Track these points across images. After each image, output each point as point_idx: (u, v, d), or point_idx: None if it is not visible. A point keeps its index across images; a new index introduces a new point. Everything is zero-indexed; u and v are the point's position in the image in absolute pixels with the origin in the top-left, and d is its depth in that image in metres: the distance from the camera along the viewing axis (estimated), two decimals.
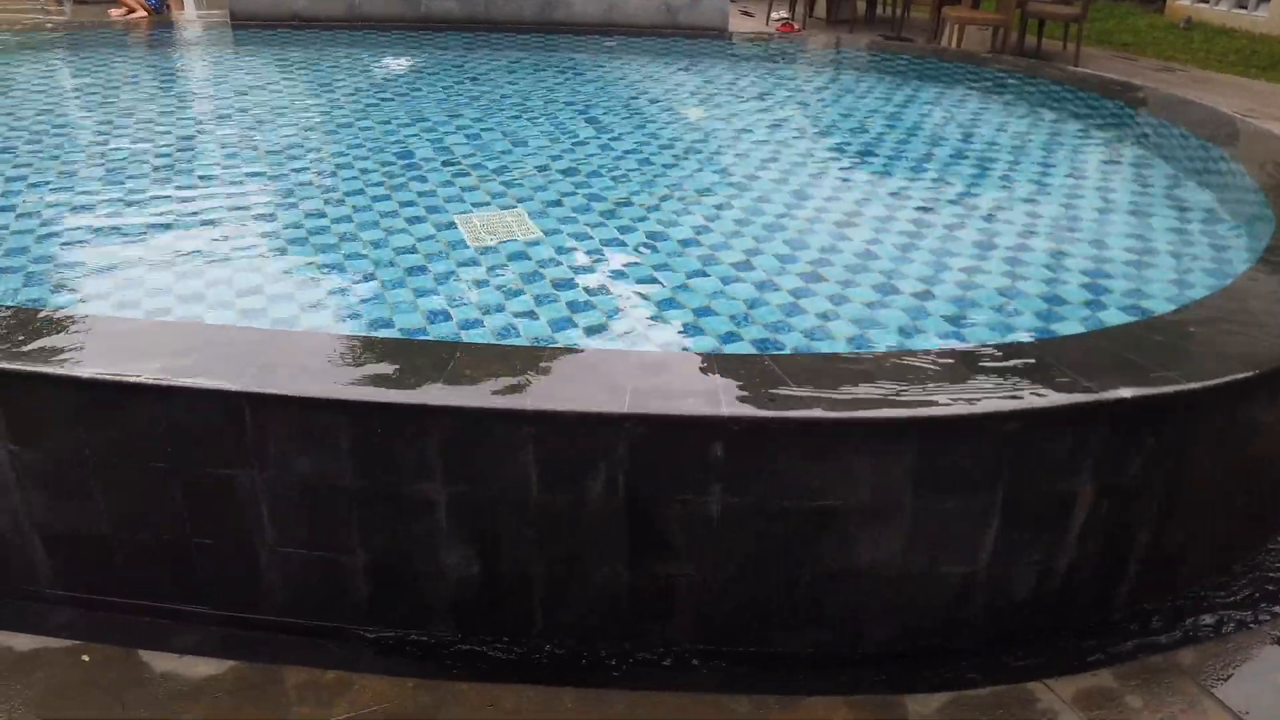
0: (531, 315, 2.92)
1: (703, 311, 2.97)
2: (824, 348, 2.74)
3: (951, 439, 2.10)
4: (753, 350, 2.74)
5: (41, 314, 2.47)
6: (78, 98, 5.27)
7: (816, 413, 2.05)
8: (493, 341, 2.75)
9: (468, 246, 3.40)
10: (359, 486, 2.23)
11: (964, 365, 2.26)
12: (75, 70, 5.90)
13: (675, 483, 2.15)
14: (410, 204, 3.75)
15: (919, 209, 3.90)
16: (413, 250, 3.34)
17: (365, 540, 2.29)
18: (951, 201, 4.03)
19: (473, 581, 2.30)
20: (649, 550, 2.22)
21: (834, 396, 2.11)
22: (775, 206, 3.85)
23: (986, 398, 2.11)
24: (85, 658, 2.25)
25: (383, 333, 2.78)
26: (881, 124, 5.14)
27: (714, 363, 2.30)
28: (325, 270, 3.18)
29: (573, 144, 4.56)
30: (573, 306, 2.98)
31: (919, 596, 2.27)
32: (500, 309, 2.96)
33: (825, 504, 2.13)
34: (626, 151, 4.49)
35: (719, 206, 3.83)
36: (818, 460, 2.10)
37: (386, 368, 2.25)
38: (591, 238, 3.51)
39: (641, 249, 3.43)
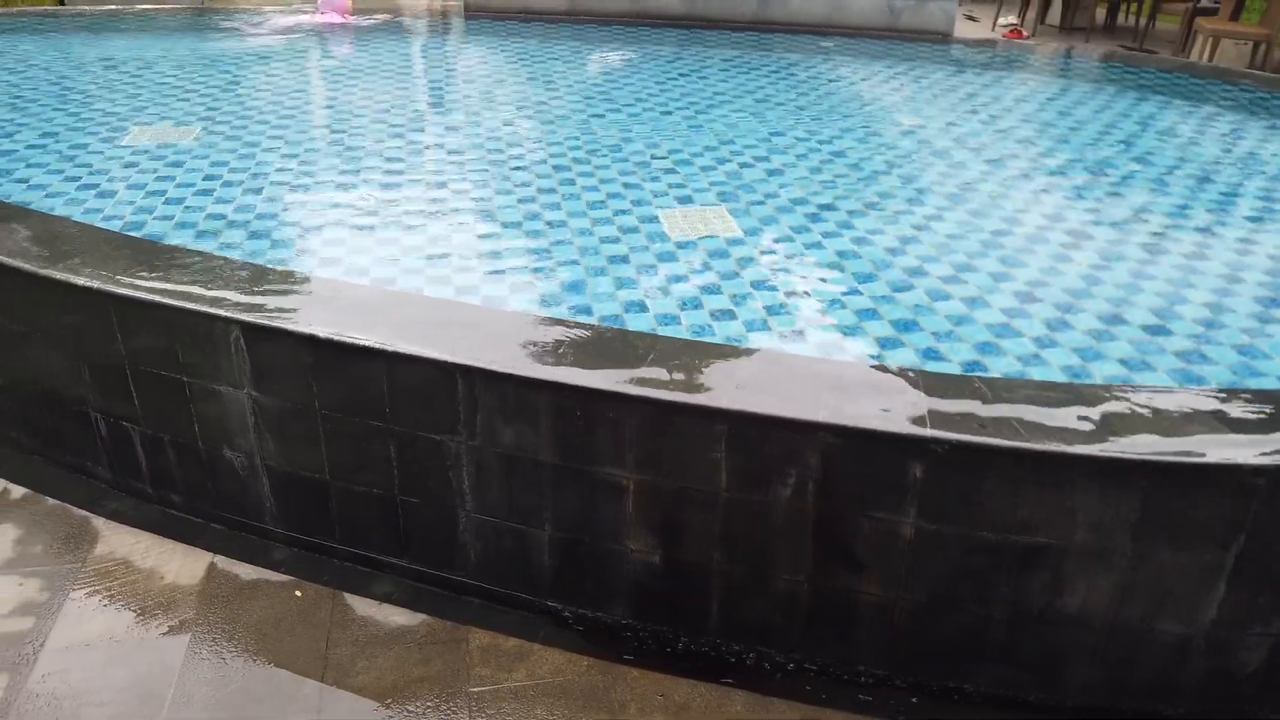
0: (728, 314, 2.92)
1: (905, 325, 2.88)
2: (1038, 375, 2.59)
3: (1186, 488, 1.93)
4: (957, 370, 2.62)
5: (286, 274, 2.69)
6: (322, 81, 5.72)
7: (1033, 443, 1.94)
8: (689, 337, 2.77)
9: (669, 240, 3.44)
10: (554, 464, 2.31)
11: (1201, 407, 2.07)
12: (320, 55, 6.42)
13: (868, 499, 2.09)
14: (617, 195, 3.83)
15: (1154, 234, 3.61)
16: (616, 240, 3.41)
17: (555, 516, 2.38)
18: (1195, 229, 3.71)
19: (653, 570, 2.34)
20: (834, 563, 2.18)
21: (1051, 427, 1.99)
22: (991, 221, 3.67)
23: (1228, 446, 1.93)
24: (298, 593, 2.45)
25: (581, 317, 2.86)
26: (1117, 141, 4.79)
27: (919, 379, 2.22)
28: (534, 254, 3.31)
29: (781, 144, 4.53)
30: (769, 309, 2.95)
31: (1128, 652, 2.11)
32: (697, 305, 2.98)
33: (1033, 541, 2.02)
34: (835, 155, 4.41)
35: (930, 217, 3.70)
36: (1029, 494, 1.99)
37: (589, 353, 2.32)
38: (793, 240, 3.48)
39: (844, 255, 3.36)
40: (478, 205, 3.74)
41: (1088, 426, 2.00)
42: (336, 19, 6.75)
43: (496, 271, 3.15)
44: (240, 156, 4.12)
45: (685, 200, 3.81)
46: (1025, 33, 9.82)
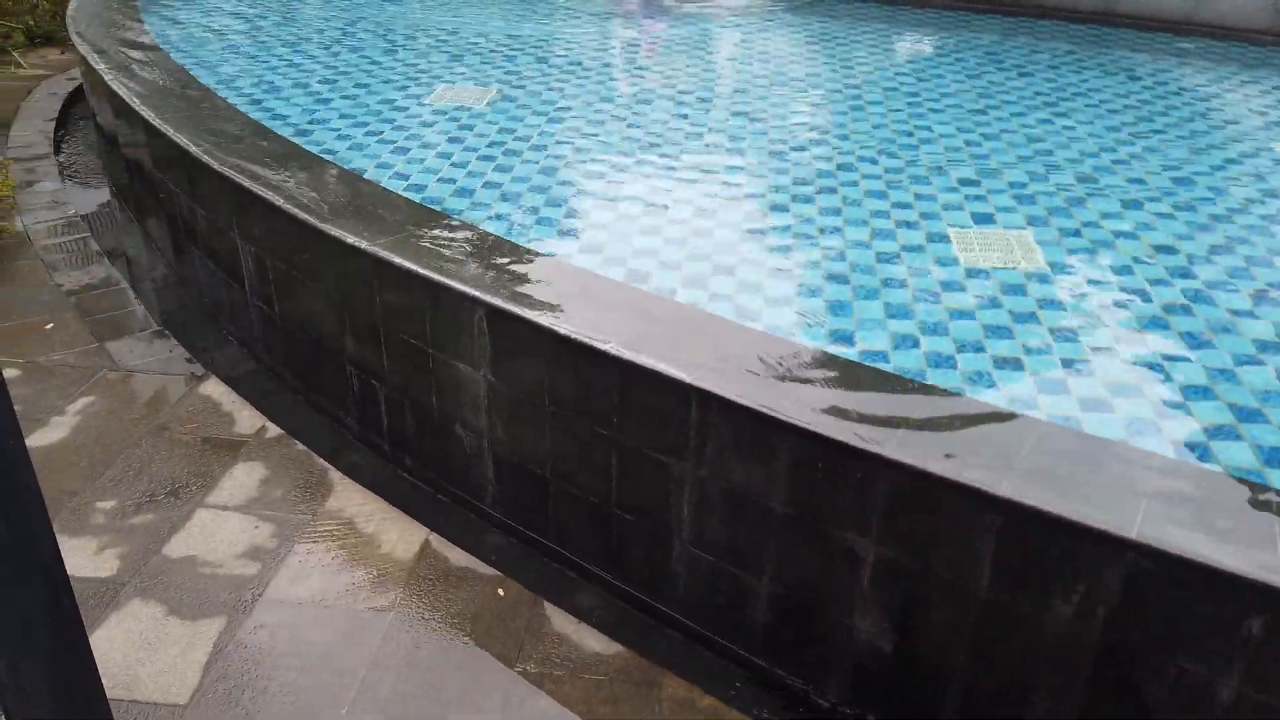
0: (1014, 365, 2.49)
1: (1247, 414, 2.30)
2: None
3: None
4: None
5: (541, 260, 2.59)
6: (617, 55, 5.68)
7: None
8: (961, 387, 2.38)
9: (957, 265, 3.01)
10: (785, 513, 2.04)
11: None
12: (621, 29, 6.39)
13: (1177, 643, 1.65)
14: (904, 205, 3.44)
15: None
16: (894, 259, 3.04)
17: (778, 569, 2.11)
18: None
19: (882, 656, 2.01)
20: (1114, 706, 1.75)
21: None
22: None
23: None
24: (501, 591, 2.37)
25: (840, 347, 2.54)
26: None
27: (1271, 498, 1.72)
28: (800, 265, 3.01)
29: (1112, 163, 3.89)
30: (1069, 365, 2.48)
31: None
32: (978, 348, 2.56)
33: None
34: (1180, 183, 3.72)
35: None
36: None
37: (843, 395, 2.01)
38: (1109, 283, 2.93)
39: (1174, 311, 2.78)
40: (749, 202, 3.49)
41: None
42: None
43: (755, 280, 2.89)
44: (527, 125, 4.13)
45: (984, 219, 3.34)
46: None
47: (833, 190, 3.54)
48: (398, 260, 2.50)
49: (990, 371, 2.47)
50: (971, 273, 2.97)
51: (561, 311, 2.29)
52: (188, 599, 2.31)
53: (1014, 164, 3.83)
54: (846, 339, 2.59)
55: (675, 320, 2.35)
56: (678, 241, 3.12)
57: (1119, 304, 2.81)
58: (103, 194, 4.79)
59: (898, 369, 2.47)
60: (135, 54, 4.34)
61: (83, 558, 2.43)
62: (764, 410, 1.96)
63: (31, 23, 6.75)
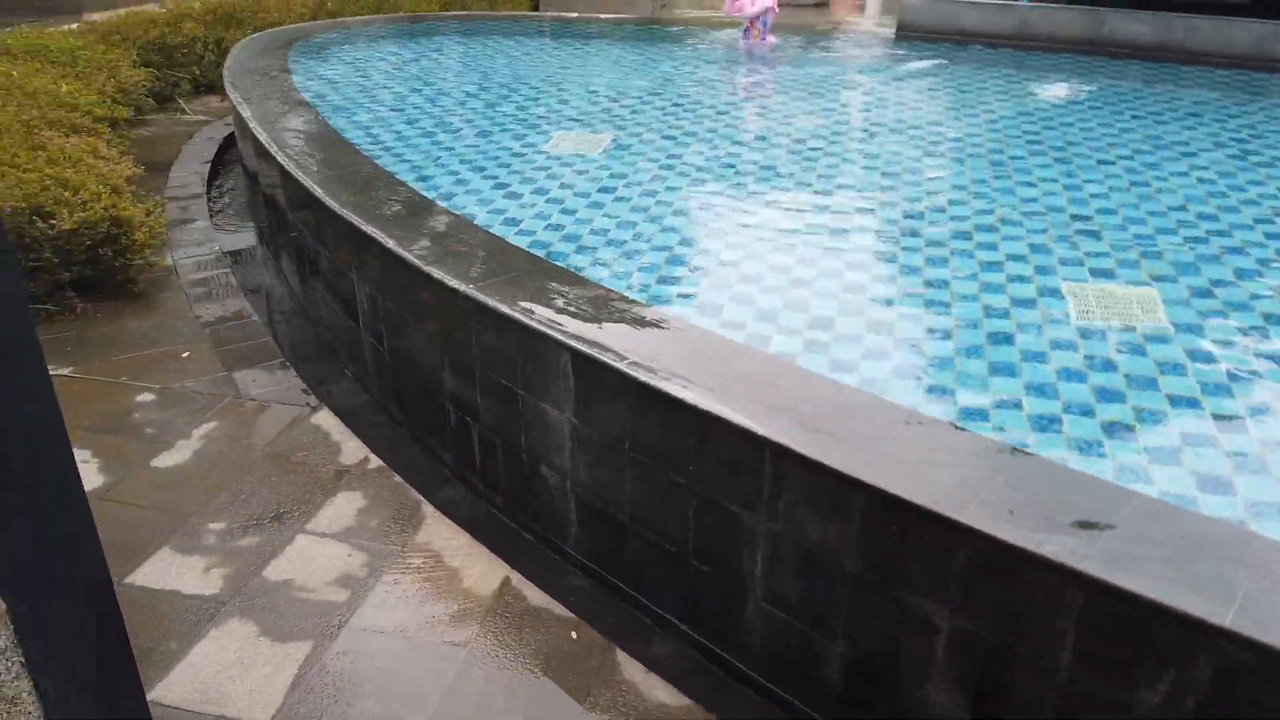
0: (1125, 431, 2.34)
1: None
2: None
3: None
4: None
5: (633, 306, 2.62)
6: (730, 98, 5.72)
7: None
8: (1068, 456, 2.25)
9: (1069, 323, 2.87)
10: (859, 574, 1.97)
11: None
12: (737, 71, 6.45)
13: None
14: (1018, 258, 3.31)
15: None
16: (1004, 314, 2.92)
17: (851, 632, 2.04)
18: None
19: None
20: None
21: None
22: None
23: None
24: (574, 634, 2.37)
25: (935, 404, 2.45)
26: None
27: None
28: (902, 316, 2.93)
29: (1253, 219, 3.64)
30: (1187, 439, 2.32)
31: None
32: (1087, 411, 2.43)
33: None
34: None
35: None
36: None
37: (925, 455, 1.94)
38: (1240, 347, 2.73)
39: None
40: (853, 247, 3.44)
41: None
42: (746, 10, 6.67)
43: (852, 330, 2.84)
44: (637, 170, 4.20)
45: (1103, 275, 3.18)
46: None
47: (940, 243, 3.45)
48: (492, 303, 2.58)
49: (1100, 439, 2.34)
50: (1086, 331, 2.83)
51: (646, 358, 2.30)
52: (280, 621, 2.41)
53: (1142, 219, 3.64)
54: (943, 394, 2.50)
55: (760, 371, 2.33)
56: (774, 289, 3.10)
57: (1251, 372, 2.62)
58: (246, 232, 5.15)
59: (996, 430, 2.37)
60: (278, 103, 4.67)
61: (192, 576, 2.58)
62: (838, 468, 1.91)
63: (198, 73, 7.37)
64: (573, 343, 2.38)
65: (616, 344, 2.36)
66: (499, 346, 2.64)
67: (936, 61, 6.35)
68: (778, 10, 6.61)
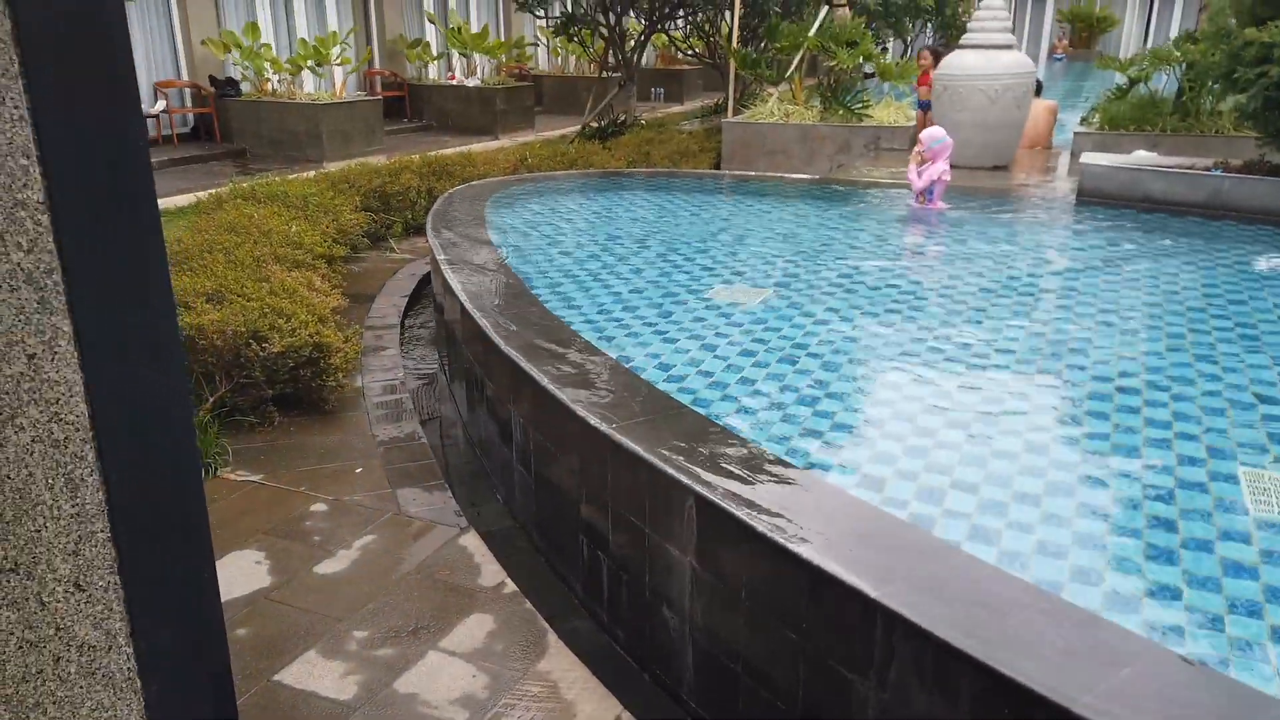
0: None
1: None
2: None
3: None
4: None
5: (767, 459, 2.66)
6: (900, 259, 5.77)
7: None
8: (1226, 655, 2.06)
9: (1246, 512, 2.66)
10: None
11: None
12: (910, 233, 6.50)
13: None
14: (1189, 437, 3.11)
15: None
16: (1167, 497, 2.74)
17: None
18: None
19: None
20: None
21: None
22: None
23: None
24: None
25: (1080, 588, 2.31)
26: None
27: None
28: (1055, 498, 2.79)
29: None
30: None
31: None
32: (1254, 611, 2.22)
33: None
34: None
35: None
36: None
37: (1041, 636, 1.84)
38: None
39: None
40: (1012, 421, 3.34)
41: None
42: (915, 185, 6.77)
43: (998, 506, 2.73)
44: (793, 325, 4.30)
45: None
46: None
47: (1103, 415, 3.30)
48: (627, 443, 2.69)
49: (1263, 642, 2.13)
50: (1265, 524, 2.61)
51: (768, 510, 2.32)
52: None
53: None
54: (1089, 579, 2.36)
55: (888, 533, 2.29)
56: (917, 451, 3.05)
57: None
58: (432, 361, 5.58)
59: (1146, 625, 2.21)
60: (468, 245, 5.14)
61: (330, 679, 2.74)
62: (950, 642, 1.84)
63: (409, 216, 8.21)
64: (698, 487, 2.44)
65: (743, 492, 2.40)
66: (631, 484, 2.73)
67: (1118, 230, 6.17)
68: (948, 180, 6.69)
